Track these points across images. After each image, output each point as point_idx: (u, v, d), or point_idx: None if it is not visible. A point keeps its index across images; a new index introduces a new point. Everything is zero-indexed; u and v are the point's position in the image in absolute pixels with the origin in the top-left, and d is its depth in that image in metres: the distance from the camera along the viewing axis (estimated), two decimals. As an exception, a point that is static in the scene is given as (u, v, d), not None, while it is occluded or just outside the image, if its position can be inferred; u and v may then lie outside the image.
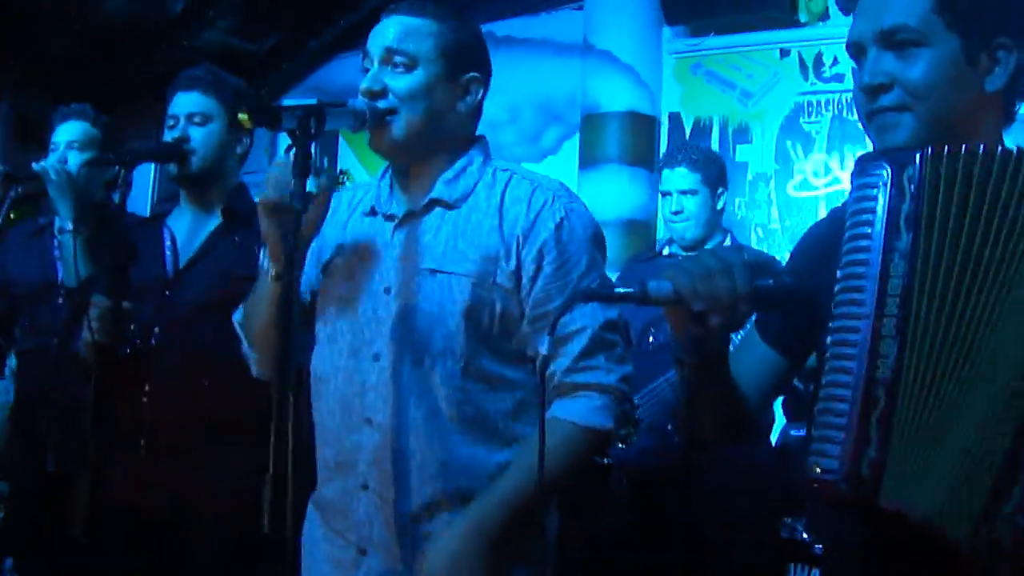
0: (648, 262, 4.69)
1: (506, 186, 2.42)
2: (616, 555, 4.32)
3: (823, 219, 2.29)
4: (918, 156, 1.77)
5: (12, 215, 4.31)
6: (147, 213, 4.21)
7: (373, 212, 2.50)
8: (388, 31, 2.40)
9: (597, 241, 2.44)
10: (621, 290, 1.88)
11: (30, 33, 8.44)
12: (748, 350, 2.17)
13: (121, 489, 3.14)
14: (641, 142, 7.06)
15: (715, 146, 7.14)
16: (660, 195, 4.56)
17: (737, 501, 4.15)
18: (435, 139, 2.42)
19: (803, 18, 7.04)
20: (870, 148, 1.98)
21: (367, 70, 2.41)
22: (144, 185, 5.08)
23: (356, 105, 2.26)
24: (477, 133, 2.55)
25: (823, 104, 6.96)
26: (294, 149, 2.05)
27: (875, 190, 1.80)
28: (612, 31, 7.18)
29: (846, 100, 6.83)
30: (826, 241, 2.07)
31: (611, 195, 6.70)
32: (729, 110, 7.25)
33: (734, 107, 7.23)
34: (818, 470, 1.80)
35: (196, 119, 3.32)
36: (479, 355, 2.35)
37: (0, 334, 4.26)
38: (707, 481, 4.18)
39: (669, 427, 4.21)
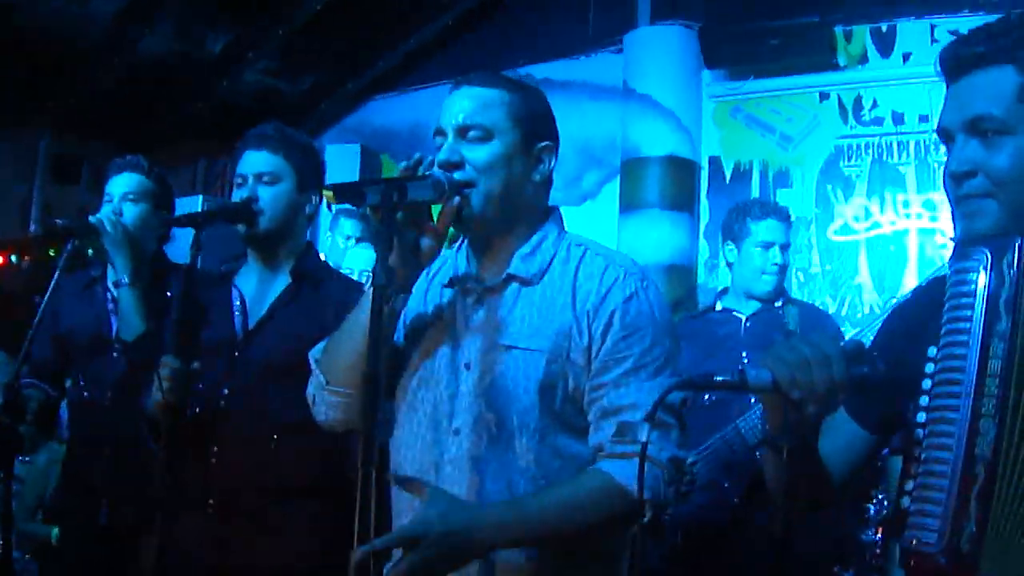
0: (701, 318, 4.66)
1: (580, 262, 2.42)
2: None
3: (909, 298, 2.33)
4: (1017, 243, 1.81)
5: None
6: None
7: (451, 284, 2.50)
8: (462, 103, 2.41)
9: (665, 320, 2.42)
10: (720, 378, 1.88)
11: (68, 73, 8.50)
12: (836, 427, 2.17)
13: (189, 549, 3.13)
14: (681, 186, 7.09)
15: (755, 191, 7.17)
16: (758, 247, 4.44)
17: (793, 556, 4.12)
18: (512, 210, 2.41)
19: (842, 61, 7.06)
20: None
21: (440, 145, 2.40)
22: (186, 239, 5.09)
23: (436, 177, 2.25)
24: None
25: (863, 147, 6.96)
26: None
27: (975, 274, 1.84)
28: (652, 75, 7.22)
29: (886, 143, 6.86)
30: (914, 319, 2.10)
31: (651, 240, 6.72)
32: (769, 154, 7.26)
33: (774, 151, 7.24)
34: (915, 543, 1.84)
35: (265, 179, 3.31)
36: (553, 430, 2.34)
37: (53, 385, 4.26)
38: (763, 537, 4.15)
39: (726, 484, 4.19)
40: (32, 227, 10.08)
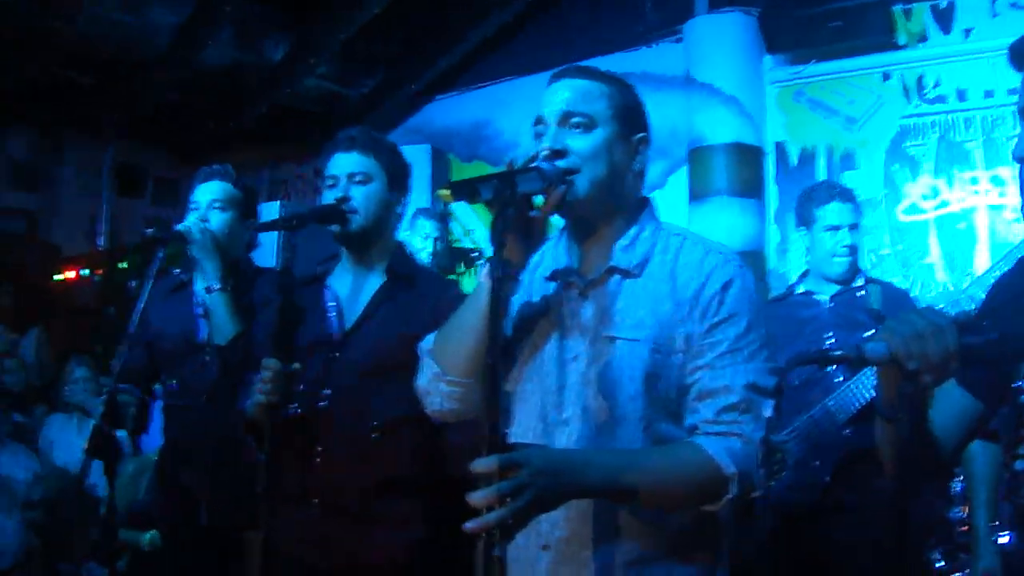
0: (783, 302, 4.66)
1: (679, 251, 2.44)
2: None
3: (1014, 268, 2.34)
4: None
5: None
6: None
7: (553, 277, 2.53)
8: (563, 93, 2.44)
9: (760, 305, 2.44)
10: (837, 352, 1.91)
11: (130, 84, 8.61)
12: (945, 398, 2.19)
13: (293, 547, 3.19)
14: (748, 173, 7.09)
15: (822, 173, 7.15)
16: (826, 230, 4.44)
17: (884, 535, 4.13)
18: (614, 198, 2.45)
19: (902, 40, 7.01)
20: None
21: (540, 134, 2.44)
22: (271, 242, 5.13)
23: (542, 167, 2.29)
24: None
25: (928, 126, 6.92)
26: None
27: None
28: (713, 62, 7.23)
29: (951, 120, 6.80)
30: (1018, 289, 2.11)
31: (721, 227, 6.70)
32: (834, 137, 7.24)
33: (839, 133, 7.22)
34: None
35: (357, 179, 3.35)
36: (658, 419, 2.36)
37: (144, 390, 4.34)
38: (855, 515, 4.17)
39: (816, 464, 4.20)
40: (100, 241, 10.22)
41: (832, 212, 4.44)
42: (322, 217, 3.31)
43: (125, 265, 8.87)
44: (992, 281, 2.44)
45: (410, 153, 3.78)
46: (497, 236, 2.11)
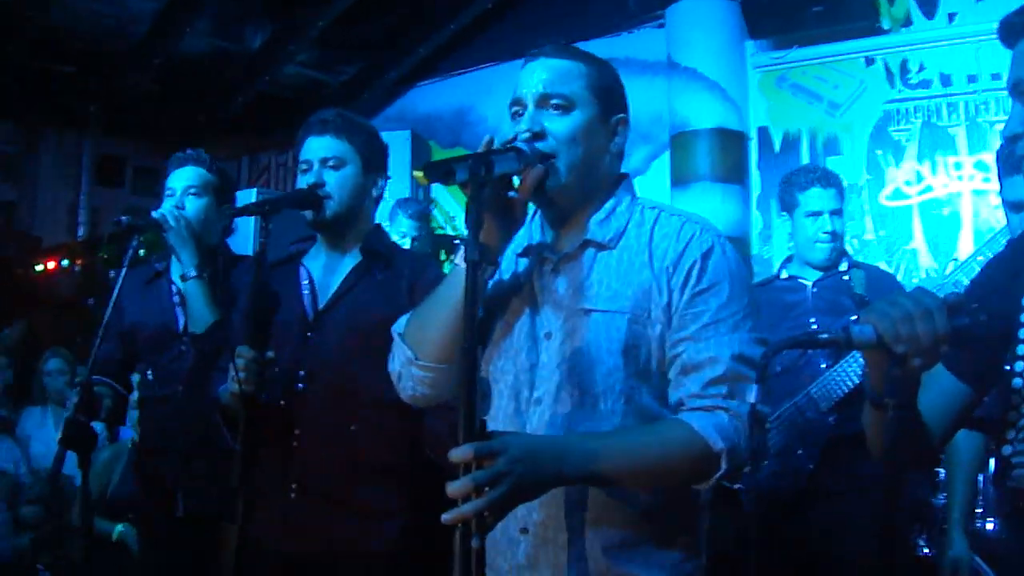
0: (767, 286, 4.63)
1: (655, 223, 2.39)
2: None
3: (1004, 250, 2.33)
4: None
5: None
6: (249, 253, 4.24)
7: (526, 253, 2.48)
8: (540, 74, 2.37)
9: (743, 276, 2.39)
10: (824, 336, 1.88)
11: (108, 74, 8.54)
12: (933, 383, 2.16)
13: (272, 534, 3.14)
14: (731, 158, 7.08)
15: (805, 158, 7.15)
16: (808, 216, 4.39)
17: (869, 523, 4.11)
18: (591, 181, 2.40)
19: (886, 25, 7.01)
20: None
21: (517, 114, 2.39)
22: (250, 229, 5.09)
23: (520, 148, 2.24)
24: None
25: (911, 111, 6.94)
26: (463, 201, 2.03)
27: None
28: (695, 48, 7.21)
29: (935, 106, 6.82)
30: (1010, 270, 2.09)
31: (704, 212, 6.38)
32: (817, 122, 7.24)
33: (822, 118, 7.22)
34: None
35: (331, 163, 3.29)
36: (639, 392, 2.31)
37: (121, 382, 4.28)
38: (839, 502, 4.14)
39: (799, 451, 4.17)
40: (80, 231, 10.15)
41: (813, 198, 4.39)
42: (296, 202, 3.25)
43: (105, 255, 8.82)
44: (976, 266, 2.42)
45: (390, 139, 3.73)
46: (472, 217, 2.05)
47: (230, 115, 9.14)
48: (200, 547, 3.93)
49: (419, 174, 2.51)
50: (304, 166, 3.33)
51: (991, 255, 2.43)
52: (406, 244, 5.98)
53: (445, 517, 1.89)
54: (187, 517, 3.98)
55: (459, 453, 1.90)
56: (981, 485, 4.17)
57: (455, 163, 2.11)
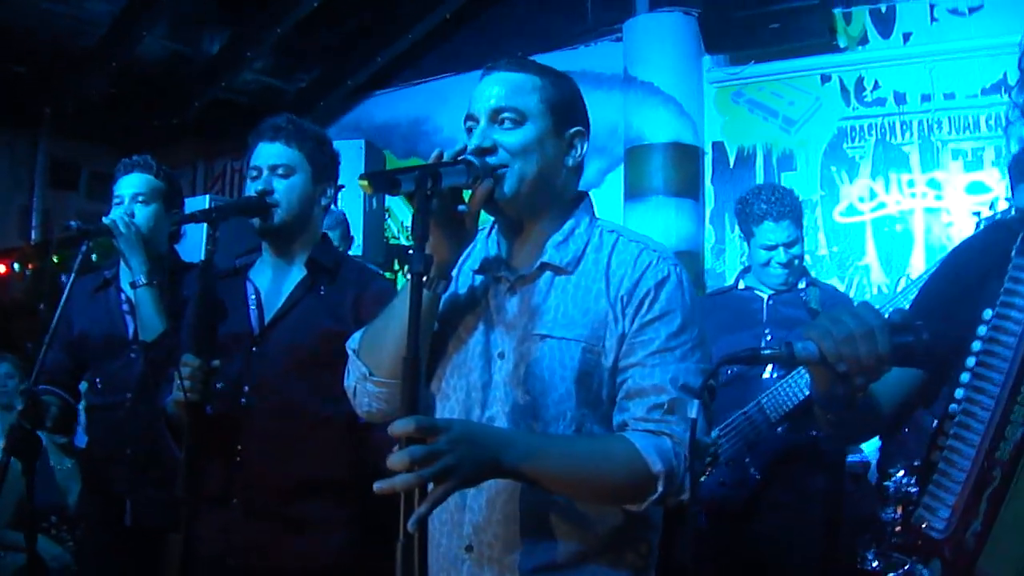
0: (724, 295, 4.65)
1: (613, 249, 2.38)
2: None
3: (943, 266, 2.34)
4: None
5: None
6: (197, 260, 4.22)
7: (482, 270, 2.47)
8: (493, 88, 2.37)
9: (695, 306, 2.38)
10: (767, 351, 1.88)
11: (64, 76, 8.46)
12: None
13: (215, 547, 3.11)
14: (685, 172, 7.09)
15: (760, 175, 7.18)
16: (761, 248, 4.41)
17: (814, 534, 4.13)
18: (544, 195, 2.38)
19: (842, 43, 7.07)
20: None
21: (471, 129, 2.38)
22: (197, 233, 5.07)
23: (470, 160, 2.23)
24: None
25: (866, 128, 6.98)
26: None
27: None
28: (652, 62, 7.22)
29: (889, 124, 6.87)
30: (950, 287, 2.10)
31: (658, 226, 6.68)
32: (772, 138, 7.27)
33: (777, 135, 7.25)
34: (925, 525, 1.97)
35: (280, 171, 3.26)
36: (590, 420, 2.31)
37: (70, 392, 4.23)
38: (785, 514, 4.16)
39: (747, 460, 4.19)
40: (33, 235, 10.03)
41: (766, 232, 4.39)
42: (243, 209, 3.23)
43: (56, 260, 8.71)
44: (926, 283, 2.42)
45: (344, 148, 3.70)
46: (418, 230, 2.04)
47: (186, 120, 9.04)
48: (145, 558, 3.89)
49: (364, 183, 2.46)
50: (253, 172, 3.30)
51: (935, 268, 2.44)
52: None
53: (377, 486, 1.87)
54: (135, 527, 3.95)
55: (401, 425, 1.88)
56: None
57: (401, 174, 2.09)
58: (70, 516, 5.60)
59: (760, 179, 7.14)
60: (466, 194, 2.28)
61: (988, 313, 1.94)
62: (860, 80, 6.99)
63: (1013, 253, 1.93)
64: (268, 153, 3.30)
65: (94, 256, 4.13)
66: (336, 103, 9.09)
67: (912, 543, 1.98)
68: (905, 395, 2.22)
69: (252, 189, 3.26)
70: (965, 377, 1.96)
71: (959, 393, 1.95)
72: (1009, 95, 2.19)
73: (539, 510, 2.29)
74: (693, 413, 2.20)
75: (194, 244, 4.36)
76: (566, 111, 2.41)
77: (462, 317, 2.45)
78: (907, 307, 2.36)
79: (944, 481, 1.92)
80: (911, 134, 6.78)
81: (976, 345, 1.94)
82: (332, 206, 5.98)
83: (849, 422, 2.13)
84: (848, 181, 6.97)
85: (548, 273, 2.38)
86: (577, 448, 2.23)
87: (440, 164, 2.16)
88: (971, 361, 1.94)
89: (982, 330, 1.94)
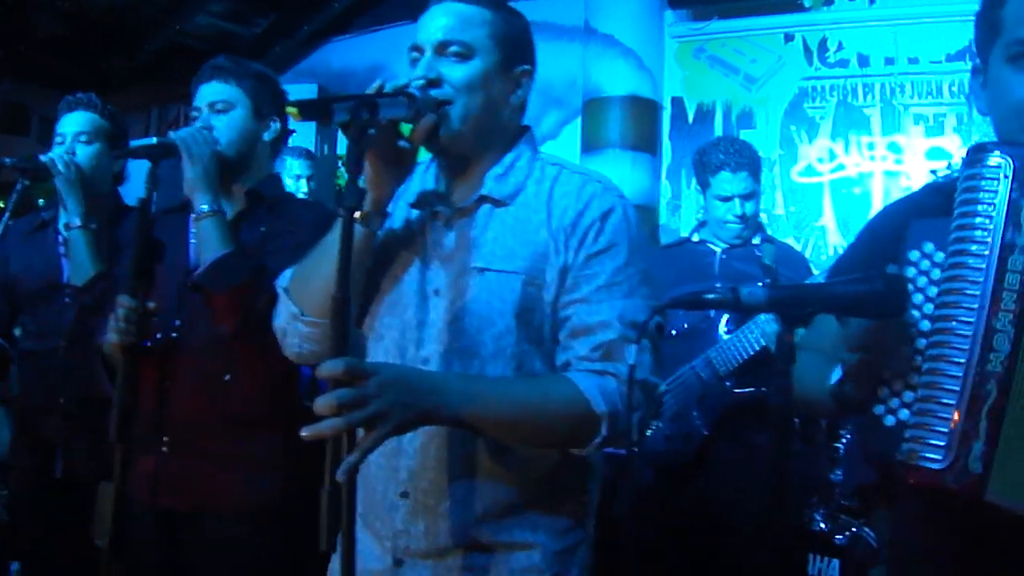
0: (678, 248, 4.62)
1: (555, 180, 2.31)
2: (637, 542, 4.25)
3: (890, 207, 2.33)
4: None
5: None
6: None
7: (419, 204, 2.38)
8: (441, 19, 2.28)
9: (642, 240, 2.32)
10: (712, 296, 1.82)
11: (17, 19, 8.30)
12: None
13: (146, 490, 3.05)
14: (643, 127, 7.01)
15: (718, 130, 7.13)
16: (717, 199, 4.39)
17: (761, 491, 4.11)
18: (488, 132, 2.31)
19: (807, 3, 7.00)
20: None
21: (415, 60, 2.29)
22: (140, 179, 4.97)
23: (412, 93, 2.13)
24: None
25: (827, 89, 6.93)
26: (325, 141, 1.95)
27: (994, 182, 1.80)
28: (614, 14, 7.10)
29: (851, 86, 6.82)
30: (882, 240, 2.13)
31: (614, 180, 6.34)
32: (733, 95, 7.20)
33: (738, 92, 7.18)
34: (919, 460, 1.80)
35: (218, 107, 3.20)
36: (531, 357, 2.24)
37: (4, 337, 4.12)
38: (732, 470, 4.13)
39: (694, 415, 4.15)
40: (-20, 178, 9.87)
41: (723, 182, 4.36)
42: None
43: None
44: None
45: (296, 94, 3.60)
46: (352, 163, 1.95)
47: (140, 65, 8.93)
48: (78, 508, 3.79)
49: (293, 110, 2.36)
50: (195, 113, 3.23)
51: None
52: (302, 186, 5.88)
53: (303, 431, 1.82)
54: (65, 478, 3.86)
55: (329, 367, 1.83)
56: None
57: (335, 102, 2.00)
58: (2, 464, 5.50)
59: (719, 135, 7.06)
60: (406, 128, 2.18)
61: (930, 246, 1.89)
62: (824, 41, 6.93)
63: (962, 166, 1.88)
64: (207, 92, 3.25)
65: (41, 201, 4.03)
66: (293, 49, 8.97)
67: (905, 480, 1.84)
68: None
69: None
70: (925, 304, 1.89)
71: (925, 325, 1.87)
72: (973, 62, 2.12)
73: (475, 456, 2.23)
74: (645, 350, 2.15)
75: (137, 186, 4.26)
76: (515, 48, 2.34)
77: (397, 253, 2.36)
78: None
79: (931, 407, 1.80)
80: (873, 97, 6.74)
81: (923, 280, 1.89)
82: (295, 148, 5.91)
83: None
84: (808, 141, 6.93)
85: (487, 206, 2.30)
86: (516, 391, 2.16)
87: (378, 95, 2.07)
88: (919, 298, 1.89)
89: (925, 264, 1.89)
